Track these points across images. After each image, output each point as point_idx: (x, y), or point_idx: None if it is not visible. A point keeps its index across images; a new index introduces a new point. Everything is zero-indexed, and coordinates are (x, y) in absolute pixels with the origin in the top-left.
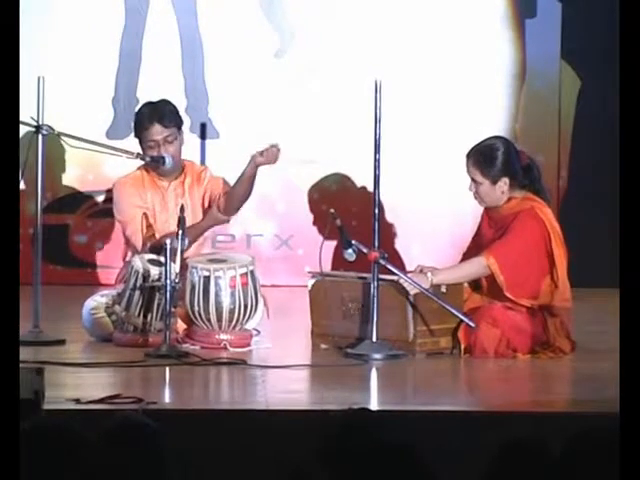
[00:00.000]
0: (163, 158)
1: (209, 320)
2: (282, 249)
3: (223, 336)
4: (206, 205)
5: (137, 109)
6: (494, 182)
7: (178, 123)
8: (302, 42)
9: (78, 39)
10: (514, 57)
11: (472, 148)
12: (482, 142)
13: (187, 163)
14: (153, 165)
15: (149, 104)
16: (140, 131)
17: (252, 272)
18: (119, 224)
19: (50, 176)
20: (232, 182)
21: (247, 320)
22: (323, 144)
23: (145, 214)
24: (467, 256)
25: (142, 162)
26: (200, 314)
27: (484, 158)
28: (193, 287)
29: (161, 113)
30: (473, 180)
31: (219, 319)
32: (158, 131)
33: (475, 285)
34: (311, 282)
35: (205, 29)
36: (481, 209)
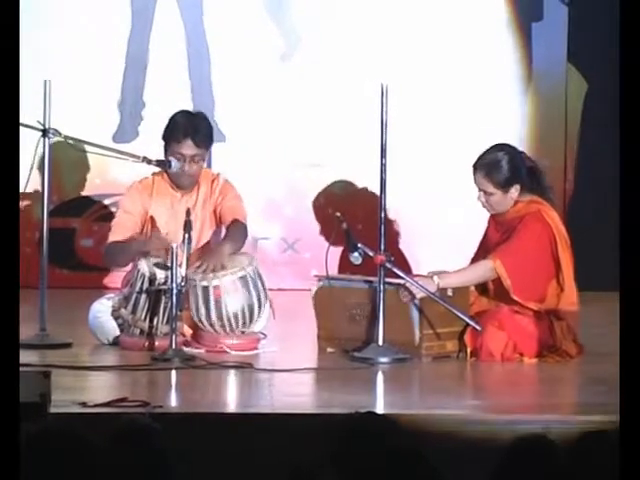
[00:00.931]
0: (169, 162)
1: (212, 326)
2: (288, 252)
3: (229, 340)
4: (218, 222)
5: (171, 115)
6: (506, 192)
7: (208, 146)
8: (308, 46)
9: (84, 43)
10: (520, 60)
11: (478, 160)
12: (487, 153)
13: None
14: (162, 168)
15: (186, 114)
16: (170, 140)
17: (253, 272)
18: None
19: (57, 180)
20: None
21: (253, 322)
22: (329, 148)
23: (152, 218)
24: (475, 261)
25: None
26: (203, 321)
27: (493, 170)
28: (195, 296)
29: (196, 129)
30: (483, 191)
31: (223, 325)
32: (190, 146)
33: (482, 288)
34: (314, 289)
35: (212, 32)
36: (488, 213)
